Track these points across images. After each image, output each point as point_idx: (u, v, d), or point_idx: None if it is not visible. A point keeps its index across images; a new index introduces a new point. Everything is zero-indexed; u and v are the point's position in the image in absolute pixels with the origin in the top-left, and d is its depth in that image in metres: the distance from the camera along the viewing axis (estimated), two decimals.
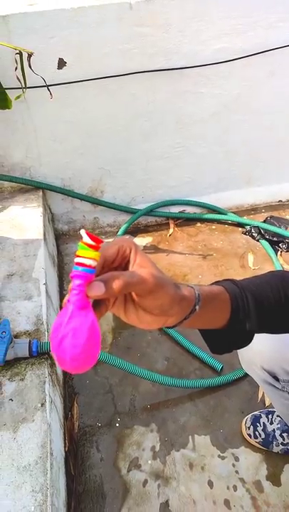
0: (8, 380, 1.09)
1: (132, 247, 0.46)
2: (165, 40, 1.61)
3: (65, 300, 0.42)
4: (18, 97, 1.41)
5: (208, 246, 1.98)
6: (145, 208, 2.06)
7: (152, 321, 0.48)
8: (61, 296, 1.71)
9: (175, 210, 2.13)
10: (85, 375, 1.42)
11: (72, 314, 0.40)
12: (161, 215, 2.11)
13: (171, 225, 2.09)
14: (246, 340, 0.61)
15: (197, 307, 0.51)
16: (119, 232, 1.96)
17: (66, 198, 1.96)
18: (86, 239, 0.39)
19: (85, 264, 0.39)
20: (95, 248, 0.39)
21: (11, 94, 1.42)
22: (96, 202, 1.99)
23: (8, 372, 1.11)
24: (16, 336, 1.20)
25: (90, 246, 0.39)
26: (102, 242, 0.40)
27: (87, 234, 0.39)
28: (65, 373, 1.43)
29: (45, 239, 1.60)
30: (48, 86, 1.44)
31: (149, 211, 2.06)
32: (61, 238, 2.06)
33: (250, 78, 1.81)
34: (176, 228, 2.09)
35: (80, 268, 0.40)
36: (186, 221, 2.13)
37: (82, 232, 0.40)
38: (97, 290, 0.40)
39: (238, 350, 1.01)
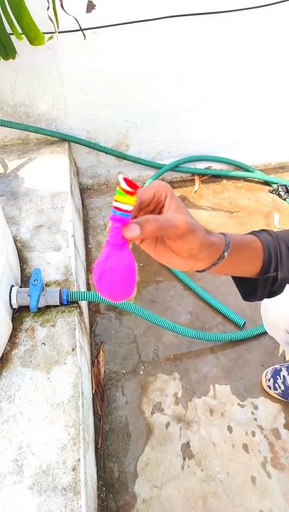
0: (40, 325, 1.14)
1: (167, 193, 0.47)
2: None
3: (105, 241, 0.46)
4: (51, 37, 1.37)
5: (234, 204, 1.96)
6: (171, 163, 2.02)
7: (181, 263, 0.50)
8: (87, 250, 1.73)
9: (201, 166, 2.09)
10: (111, 325, 1.47)
11: (109, 253, 0.44)
12: (186, 171, 2.07)
13: (197, 182, 2.06)
14: (278, 289, 0.61)
15: (226, 254, 0.52)
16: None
17: (91, 151, 1.94)
18: (123, 185, 0.41)
19: (121, 208, 0.42)
20: (132, 194, 0.41)
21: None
22: (121, 156, 1.97)
23: (40, 318, 1.16)
24: (47, 285, 1.24)
25: (126, 192, 0.41)
26: (138, 187, 0.41)
27: (125, 180, 0.41)
28: (91, 323, 1.49)
29: (71, 192, 1.60)
30: (82, 29, 1.39)
31: (175, 167, 2.03)
32: (86, 192, 2.06)
33: None
34: (201, 185, 2.06)
35: (118, 212, 0.42)
36: (212, 178, 2.10)
37: (120, 177, 0.41)
38: (133, 232, 0.42)
39: (261, 314, 1.03)
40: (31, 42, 1.36)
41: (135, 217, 0.45)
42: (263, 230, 0.61)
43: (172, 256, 0.49)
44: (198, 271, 0.53)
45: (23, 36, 1.31)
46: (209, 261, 0.51)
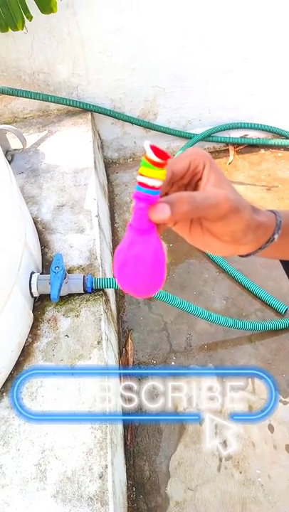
0: (63, 315, 1.05)
1: (206, 162, 0.39)
2: None
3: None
4: None
5: (273, 176, 1.78)
6: (202, 132, 1.85)
7: (221, 247, 0.42)
8: (113, 230, 1.62)
9: (236, 134, 1.91)
10: (139, 311, 1.37)
11: (132, 240, 0.37)
12: (220, 140, 1.89)
13: (232, 152, 1.88)
14: None
15: (276, 236, 0.43)
16: None
17: (116, 122, 1.80)
18: (150, 154, 0.32)
19: (147, 184, 0.34)
20: (161, 166, 0.33)
21: None
22: (148, 126, 1.81)
23: (63, 308, 1.07)
24: (69, 271, 1.14)
25: (154, 164, 0.32)
26: (168, 157, 0.33)
27: (152, 148, 0.32)
28: (119, 309, 1.39)
29: (95, 167, 1.48)
30: None
31: (207, 136, 1.86)
32: (111, 167, 1.93)
33: None
34: (236, 156, 1.88)
35: (143, 189, 0.34)
36: (248, 147, 1.92)
37: (146, 145, 0.32)
38: (161, 214, 0.35)
39: None
40: (42, 9, 1.21)
41: (166, 194, 0.38)
42: None
43: (211, 240, 0.41)
44: (241, 255, 0.45)
45: None
46: (256, 245, 0.43)
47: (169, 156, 0.33)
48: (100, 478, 0.81)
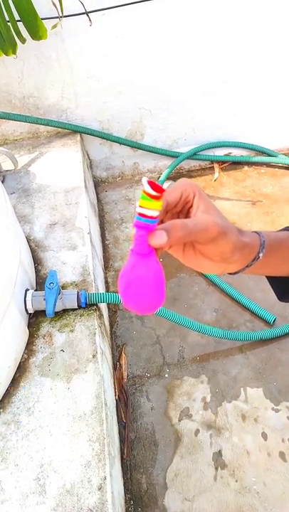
0: (58, 331, 1.07)
1: (195, 192, 0.44)
2: None
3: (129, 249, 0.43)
4: (54, 26, 1.28)
5: (257, 192, 1.84)
6: (188, 151, 1.92)
7: (212, 266, 0.46)
8: (104, 246, 1.66)
9: (220, 152, 1.98)
10: (132, 326, 1.40)
11: (134, 263, 0.41)
12: (205, 158, 1.96)
13: (217, 170, 1.95)
14: None
15: (261, 254, 0.48)
16: (161, 178, 1.85)
17: (104, 142, 1.85)
18: (148, 189, 0.37)
19: (146, 215, 0.38)
20: (157, 198, 0.38)
21: (46, 25, 1.29)
22: (136, 146, 1.87)
23: (58, 323, 1.09)
24: (63, 287, 1.17)
25: (151, 197, 0.37)
26: (164, 190, 0.38)
27: (149, 183, 0.37)
28: (112, 324, 1.41)
29: (86, 186, 1.52)
30: (87, 13, 1.29)
31: (193, 154, 1.92)
32: (100, 186, 1.98)
33: None
34: (221, 173, 1.95)
35: (143, 219, 0.39)
36: (232, 165, 1.98)
37: (144, 181, 0.37)
38: (159, 240, 0.39)
39: None
40: (33, 36, 1.27)
41: (161, 221, 0.42)
42: None
43: (202, 260, 0.46)
44: (230, 273, 0.49)
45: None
46: (243, 263, 0.47)
47: (164, 189, 0.38)
48: (99, 489, 0.83)
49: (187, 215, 0.45)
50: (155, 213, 0.38)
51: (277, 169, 1.96)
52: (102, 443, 0.88)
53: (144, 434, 1.16)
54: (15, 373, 0.98)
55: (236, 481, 1.05)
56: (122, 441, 1.14)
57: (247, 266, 0.48)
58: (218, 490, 1.04)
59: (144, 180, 0.37)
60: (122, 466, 1.08)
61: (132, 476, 1.08)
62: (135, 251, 0.41)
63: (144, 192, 0.37)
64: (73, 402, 0.94)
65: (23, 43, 1.33)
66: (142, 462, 1.10)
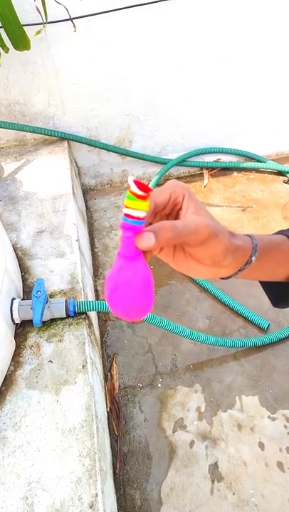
0: (46, 341, 1.03)
1: (185, 193, 0.42)
2: None
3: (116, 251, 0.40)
4: (38, 32, 1.27)
5: (247, 197, 1.84)
6: (177, 157, 1.91)
7: (203, 270, 0.45)
8: (93, 254, 1.63)
9: (209, 159, 1.97)
10: (123, 335, 1.36)
11: (121, 266, 0.39)
12: (194, 165, 1.95)
13: (206, 176, 1.94)
14: None
15: (253, 258, 0.46)
16: (150, 185, 1.83)
17: (92, 149, 1.83)
18: (134, 188, 0.35)
19: (133, 215, 0.37)
20: (144, 198, 0.36)
21: (29, 32, 1.27)
22: (124, 153, 1.85)
23: (46, 333, 1.05)
24: (51, 296, 1.13)
25: (138, 196, 0.36)
26: (150, 190, 0.36)
27: (135, 182, 0.35)
28: (102, 333, 1.38)
29: (74, 193, 1.50)
30: (71, 19, 1.28)
31: (182, 161, 1.91)
32: (89, 193, 1.95)
33: None
34: (211, 179, 1.94)
35: (129, 220, 0.37)
36: (221, 171, 1.98)
37: (130, 180, 0.35)
38: (147, 242, 0.38)
39: None
40: (15, 46, 1.25)
41: (150, 224, 0.40)
42: None
43: (193, 264, 0.44)
44: (222, 278, 0.48)
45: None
46: (235, 267, 0.46)
47: (151, 189, 0.36)
48: (91, 507, 0.78)
49: (176, 218, 0.43)
50: (142, 214, 0.37)
51: (266, 175, 1.95)
52: (93, 458, 0.84)
53: (137, 447, 1.11)
54: (1, 387, 0.94)
55: (234, 494, 1.01)
56: (114, 455, 1.09)
57: (239, 270, 0.47)
58: (215, 504, 1.00)
59: (130, 179, 0.36)
60: (114, 482, 1.04)
61: (126, 492, 1.03)
62: (122, 254, 0.39)
63: (130, 191, 0.36)
64: (62, 415, 0.90)
65: (7, 53, 1.31)
66: (135, 477, 1.06)
